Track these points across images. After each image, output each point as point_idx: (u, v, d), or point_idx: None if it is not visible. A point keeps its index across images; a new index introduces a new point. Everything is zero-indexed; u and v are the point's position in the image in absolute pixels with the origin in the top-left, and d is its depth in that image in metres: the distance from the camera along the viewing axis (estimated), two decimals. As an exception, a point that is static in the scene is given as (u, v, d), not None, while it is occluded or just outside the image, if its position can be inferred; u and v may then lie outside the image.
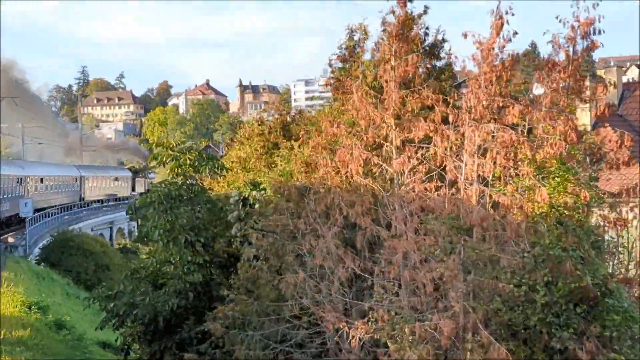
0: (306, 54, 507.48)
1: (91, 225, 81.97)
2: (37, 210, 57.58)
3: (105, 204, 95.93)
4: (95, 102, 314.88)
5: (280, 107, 44.72)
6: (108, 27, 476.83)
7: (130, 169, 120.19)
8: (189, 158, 24.12)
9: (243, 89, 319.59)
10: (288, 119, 41.52)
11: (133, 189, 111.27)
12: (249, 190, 24.29)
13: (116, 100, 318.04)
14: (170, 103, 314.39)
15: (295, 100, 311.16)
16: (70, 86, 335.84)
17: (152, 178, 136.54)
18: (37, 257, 51.22)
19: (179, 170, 24.23)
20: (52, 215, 65.99)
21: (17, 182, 55.12)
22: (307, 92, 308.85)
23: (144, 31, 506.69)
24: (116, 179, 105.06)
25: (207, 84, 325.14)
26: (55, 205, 72.33)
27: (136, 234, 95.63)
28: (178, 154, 24.18)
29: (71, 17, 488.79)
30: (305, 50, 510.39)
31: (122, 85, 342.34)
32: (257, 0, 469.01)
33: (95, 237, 58.11)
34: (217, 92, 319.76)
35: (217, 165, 25.64)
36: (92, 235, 63.08)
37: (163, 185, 23.17)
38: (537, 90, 20.88)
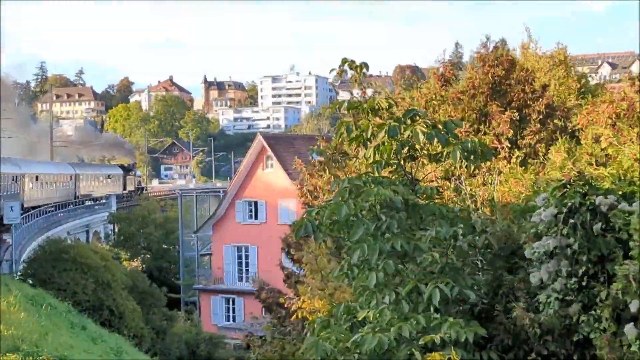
0: (266, 51, 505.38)
1: (68, 229, 74.09)
2: (32, 208, 59.06)
3: (79, 206, 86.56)
4: (54, 98, 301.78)
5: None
6: (65, 27, 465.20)
7: (121, 166, 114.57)
8: (421, 130, 12.89)
9: (208, 85, 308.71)
10: (500, 71, 24.98)
11: (124, 187, 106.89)
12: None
13: (76, 97, 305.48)
14: (132, 100, 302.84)
15: (262, 97, 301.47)
16: (28, 82, 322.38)
17: (139, 176, 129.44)
18: (21, 273, 41.40)
19: (393, 158, 13.49)
20: (46, 213, 64.49)
21: (13, 180, 54.61)
22: (274, 88, 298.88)
23: (101, 30, 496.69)
24: (108, 176, 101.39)
25: (171, 80, 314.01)
26: (50, 204, 71.48)
27: (114, 237, 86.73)
28: (395, 124, 13.14)
29: (20, 16, 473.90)
30: (266, 48, 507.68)
31: (81, 82, 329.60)
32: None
33: (91, 247, 48.02)
34: (181, 89, 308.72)
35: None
36: (89, 245, 53.01)
37: (368, 185, 11.70)
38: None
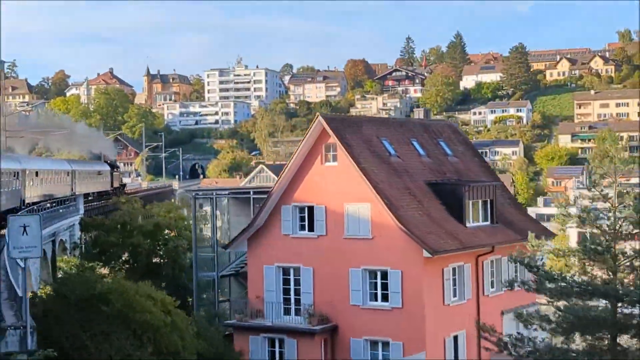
0: (190, 48, 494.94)
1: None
2: (34, 203, 58.99)
3: (44, 210, 69.52)
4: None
5: None
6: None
7: (108, 162, 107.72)
8: None
9: (151, 78, 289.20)
10: None
11: (112, 184, 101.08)
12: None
13: (10, 90, 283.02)
14: (68, 93, 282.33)
15: (209, 91, 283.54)
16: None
17: (119, 171, 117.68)
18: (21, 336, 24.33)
19: None
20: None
21: (14, 176, 53.14)
22: (222, 82, 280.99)
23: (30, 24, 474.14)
24: (99, 172, 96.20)
25: (111, 72, 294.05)
26: (48, 200, 68.59)
27: (82, 247, 69.57)
28: None
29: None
30: (189, 45, 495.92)
31: (14, 75, 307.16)
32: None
33: (147, 291, 30.89)
34: (121, 82, 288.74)
35: None
36: (131, 284, 35.79)
37: None
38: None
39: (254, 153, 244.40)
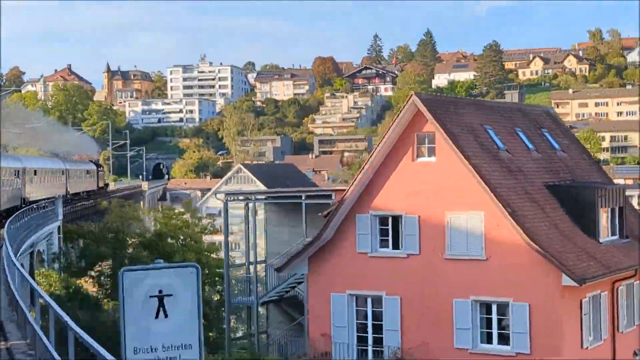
0: (148, 47, 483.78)
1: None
2: (32, 202, 56.82)
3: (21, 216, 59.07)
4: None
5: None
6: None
7: (94, 162, 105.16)
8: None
9: (111, 75, 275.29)
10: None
11: (97, 184, 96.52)
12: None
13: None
14: (23, 90, 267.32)
15: (172, 88, 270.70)
16: None
17: (103, 171, 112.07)
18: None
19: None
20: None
21: (15, 175, 51.57)
22: (185, 79, 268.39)
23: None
24: (87, 172, 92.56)
25: (69, 69, 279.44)
26: (45, 199, 63.53)
27: (62, 260, 58.00)
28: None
29: None
30: (147, 44, 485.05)
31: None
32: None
33: None
34: (80, 79, 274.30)
35: None
36: None
37: None
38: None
39: (220, 152, 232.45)
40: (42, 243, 62.85)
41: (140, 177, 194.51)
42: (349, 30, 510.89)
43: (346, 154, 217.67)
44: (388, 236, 32.88)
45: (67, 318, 12.26)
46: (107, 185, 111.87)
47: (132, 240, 55.16)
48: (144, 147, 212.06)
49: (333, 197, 35.87)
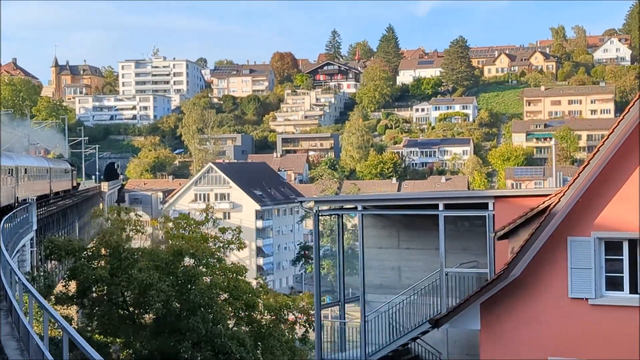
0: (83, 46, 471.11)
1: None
2: (24, 201, 53.76)
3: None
4: None
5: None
6: None
7: (69, 161, 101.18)
8: None
9: (59, 69, 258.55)
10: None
11: (72, 183, 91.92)
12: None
13: None
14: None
15: (123, 84, 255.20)
16: None
17: (76, 170, 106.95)
18: None
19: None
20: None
21: (9, 173, 50.52)
22: (138, 74, 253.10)
23: None
24: (65, 171, 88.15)
25: (14, 63, 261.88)
26: (33, 197, 58.04)
27: (39, 280, 44.49)
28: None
29: None
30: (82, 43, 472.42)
31: None
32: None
33: None
34: (26, 73, 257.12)
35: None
36: None
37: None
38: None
39: (177, 151, 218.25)
40: (12, 259, 49.10)
41: (93, 177, 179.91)
42: (281, 29, 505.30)
43: (311, 152, 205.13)
44: (624, 272, 20.38)
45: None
46: (78, 184, 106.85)
47: (134, 258, 41.84)
48: (97, 146, 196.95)
49: (490, 207, 23.35)
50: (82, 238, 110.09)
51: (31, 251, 52.93)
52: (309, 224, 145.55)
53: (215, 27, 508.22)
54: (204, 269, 41.81)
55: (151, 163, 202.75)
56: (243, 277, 43.41)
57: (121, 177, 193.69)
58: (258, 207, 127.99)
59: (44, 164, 74.58)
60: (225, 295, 42.19)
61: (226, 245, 45.39)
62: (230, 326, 42.19)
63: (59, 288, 49.03)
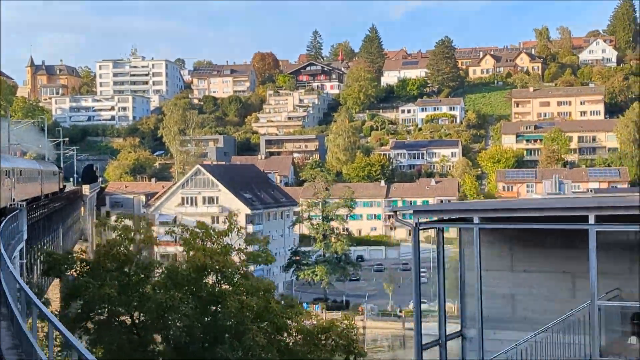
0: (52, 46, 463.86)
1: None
2: (20, 202, 53.62)
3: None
4: None
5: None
6: None
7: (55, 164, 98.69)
8: None
9: (35, 69, 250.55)
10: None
11: (59, 186, 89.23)
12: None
13: None
14: None
15: (101, 84, 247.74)
16: None
17: (62, 172, 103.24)
18: None
19: None
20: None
21: (7, 175, 49.67)
22: (116, 74, 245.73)
23: None
24: (54, 173, 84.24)
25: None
26: (27, 199, 58.45)
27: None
28: None
29: None
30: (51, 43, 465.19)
31: None
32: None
33: None
34: (1, 73, 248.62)
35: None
36: None
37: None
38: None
39: (158, 153, 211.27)
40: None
41: (72, 179, 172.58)
42: (250, 32, 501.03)
43: (295, 154, 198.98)
44: None
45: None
46: (64, 187, 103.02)
47: (147, 274, 35.60)
48: (74, 148, 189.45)
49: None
50: (66, 244, 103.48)
51: (21, 263, 46.78)
52: (299, 228, 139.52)
53: (184, 29, 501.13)
54: (229, 288, 35.54)
55: (131, 165, 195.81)
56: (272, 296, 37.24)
57: (100, 179, 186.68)
58: (248, 211, 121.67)
59: (36, 166, 73.11)
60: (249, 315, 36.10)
61: (253, 259, 39.16)
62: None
63: (54, 307, 42.72)
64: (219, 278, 35.49)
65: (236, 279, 36.41)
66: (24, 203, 49.75)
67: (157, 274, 35.56)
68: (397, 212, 20.82)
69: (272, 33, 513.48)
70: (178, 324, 31.16)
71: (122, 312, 36.09)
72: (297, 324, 36.82)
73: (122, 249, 36.72)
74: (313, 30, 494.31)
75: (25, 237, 46.30)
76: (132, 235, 38.36)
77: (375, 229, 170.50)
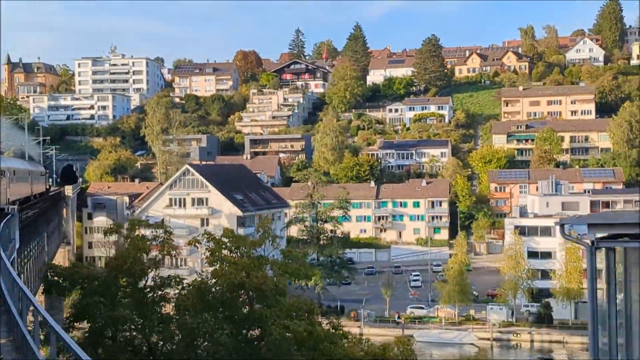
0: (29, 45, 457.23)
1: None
2: (12, 202, 52.80)
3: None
4: None
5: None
6: None
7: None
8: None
9: (12, 67, 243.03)
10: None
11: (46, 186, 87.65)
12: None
13: None
14: None
15: (80, 82, 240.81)
16: None
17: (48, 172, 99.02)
18: None
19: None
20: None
21: (2, 175, 49.10)
22: (95, 72, 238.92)
23: None
24: (41, 174, 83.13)
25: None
26: (19, 199, 58.04)
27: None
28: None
29: None
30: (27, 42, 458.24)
31: None
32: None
33: None
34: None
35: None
36: None
37: None
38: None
39: (139, 153, 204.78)
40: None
41: (51, 180, 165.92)
42: (229, 32, 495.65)
43: (281, 154, 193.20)
44: None
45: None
46: (50, 187, 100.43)
47: (165, 291, 29.90)
48: (54, 147, 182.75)
49: None
50: (51, 248, 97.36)
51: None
52: (292, 230, 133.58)
53: (162, 30, 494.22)
54: (267, 309, 29.86)
55: (112, 165, 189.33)
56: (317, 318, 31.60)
57: (80, 179, 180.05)
58: (240, 213, 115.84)
59: (26, 166, 71.82)
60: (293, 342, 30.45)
61: (291, 275, 33.52)
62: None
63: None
64: (254, 297, 29.84)
65: (275, 298, 30.71)
66: (15, 207, 44.20)
67: (177, 291, 29.89)
68: (564, 226, 15.29)
69: (251, 33, 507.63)
70: (213, 356, 25.48)
71: (136, 335, 30.40)
72: (342, 350, 31.23)
73: (132, 260, 30.91)
74: (293, 30, 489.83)
75: (17, 245, 40.66)
76: (148, 245, 32.62)
77: (365, 231, 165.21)
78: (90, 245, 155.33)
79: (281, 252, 35.93)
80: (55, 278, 32.21)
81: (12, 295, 17.99)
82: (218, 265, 31.89)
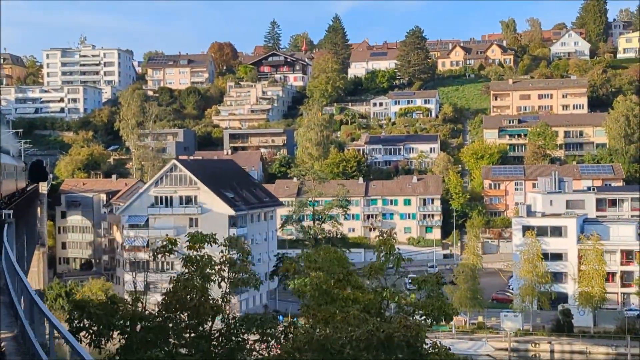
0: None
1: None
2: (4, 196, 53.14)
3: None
4: None
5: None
6: None
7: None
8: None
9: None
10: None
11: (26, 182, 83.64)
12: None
13: None
14: None
15: (49, 74, 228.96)
16: None
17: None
18: None
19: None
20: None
21: None
22: (64, 64, 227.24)
23: None
24: (23, 169, 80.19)
25: None
26: (8, 195, 57.33)
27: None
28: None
29: None
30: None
31: None
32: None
33: None
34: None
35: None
36: None
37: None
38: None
39: (112, 147, 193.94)
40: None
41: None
42: (199, 27, 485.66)
43: (262, 150, 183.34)
44: None
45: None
46: (29, 183, 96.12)
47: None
48: (22, 142, 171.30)
49: None
50: (30, 253, 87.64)
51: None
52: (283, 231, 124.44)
53: (130, 25, 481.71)
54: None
55: (84, 161, 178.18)
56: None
57: (50, 176, 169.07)
58: (232, 212, 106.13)
59: (13, 161, 68.92)
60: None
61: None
62: None
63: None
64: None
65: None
66: (11, 213, 34.27)
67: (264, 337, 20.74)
68: None
69: (220, 28, 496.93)
70: None
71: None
72: None
73: (196, 294, 21.54)
74: (262, 26, 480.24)
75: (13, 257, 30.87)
76: (215, 270, 23.14)
77: (354, 230, 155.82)
78: (64, 246, 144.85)
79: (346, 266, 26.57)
80: (85, 322, 22.34)
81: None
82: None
